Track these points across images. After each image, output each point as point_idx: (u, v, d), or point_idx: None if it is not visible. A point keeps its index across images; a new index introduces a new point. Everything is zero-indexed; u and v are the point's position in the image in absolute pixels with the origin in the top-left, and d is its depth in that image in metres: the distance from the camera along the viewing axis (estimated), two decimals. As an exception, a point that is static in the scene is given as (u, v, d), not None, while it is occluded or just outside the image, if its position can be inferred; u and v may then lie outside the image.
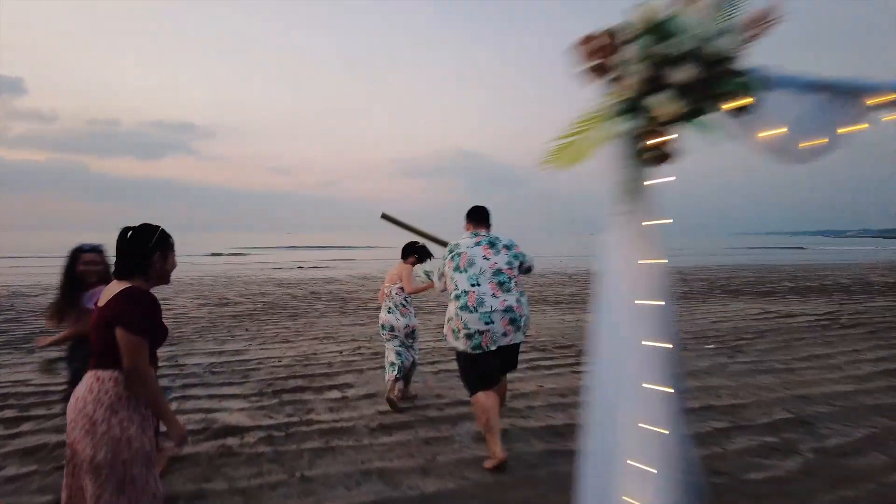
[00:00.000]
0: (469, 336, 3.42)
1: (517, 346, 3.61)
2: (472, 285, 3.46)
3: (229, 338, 8.04)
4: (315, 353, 6.98)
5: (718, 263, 31.04)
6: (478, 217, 3.74)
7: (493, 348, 3.45)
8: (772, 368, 6.18)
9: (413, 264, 4.95)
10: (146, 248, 2.09)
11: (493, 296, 3.43)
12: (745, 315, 10.38)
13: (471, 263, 3.51)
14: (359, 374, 5.93)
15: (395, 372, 4.66)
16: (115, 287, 2.07)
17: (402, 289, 4.83)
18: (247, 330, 8.71)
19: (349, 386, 5.45)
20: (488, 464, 3.49)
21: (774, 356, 6.80)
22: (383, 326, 4.85)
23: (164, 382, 5.08)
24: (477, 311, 3.40)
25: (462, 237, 3.71)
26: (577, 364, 6.39)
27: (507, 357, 3.60)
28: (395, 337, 4.79)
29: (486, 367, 3.50)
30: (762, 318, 10.04)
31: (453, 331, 3.51)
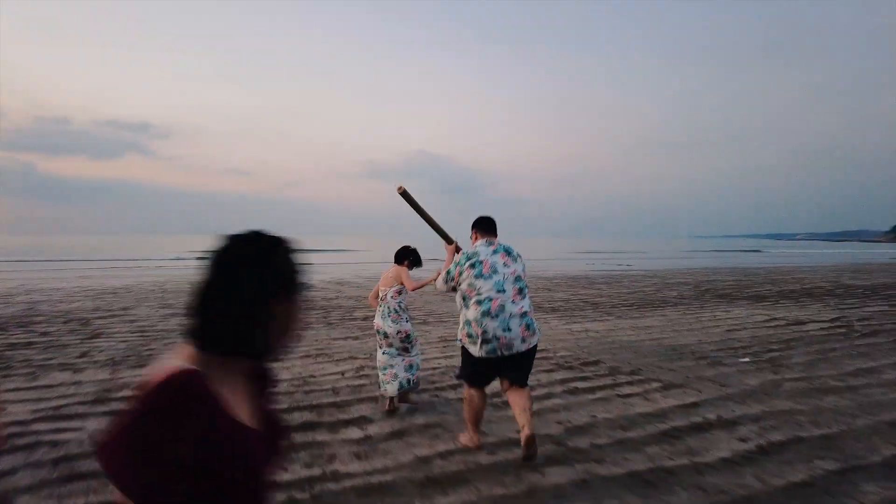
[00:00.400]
0: (486, 341, 3.47)
1: (534, 349, 3.64)
2: (498, 291, 3.51)
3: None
4: (313, 376, 6.02)
5: (692, 266, 31.16)
6: (486, 227, 3.82)
7: (508, 354, 3.49)
8: (829, 386, 5.60)
9: (409, 269, 4.91)
10: (258, 292, 1.01)
11: (513, 302, 3.51)
12: (754, 322, 9.91)
13: (494, 270, 3.57)
14: (373, 403, 5.03)
15: (397, 388, 4.61)
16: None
17: (398, 292, 4.75)
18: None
19: (368, 421, 4.56)
20: (464, 439, 3.90)
21: (821, 371, 6.25)
22: (378, 331, 4.78)
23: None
24: (498, 316, 3.45)
25: (476, 245, 3.76)
26: (618, 385, 5.66)
27: (522, 361, 3.60)
28: (391, 345, 4.72)
29: (493, 370, 3.63)
30: (774, 325, 9.58)
31: (470, 335, 3.55)
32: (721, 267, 30.06)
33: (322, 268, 29.26)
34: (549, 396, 5.24)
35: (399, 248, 4.99)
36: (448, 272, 3.74)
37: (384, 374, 4.71)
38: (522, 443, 3.48)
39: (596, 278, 21.04)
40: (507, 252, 3.70)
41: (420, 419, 4.60)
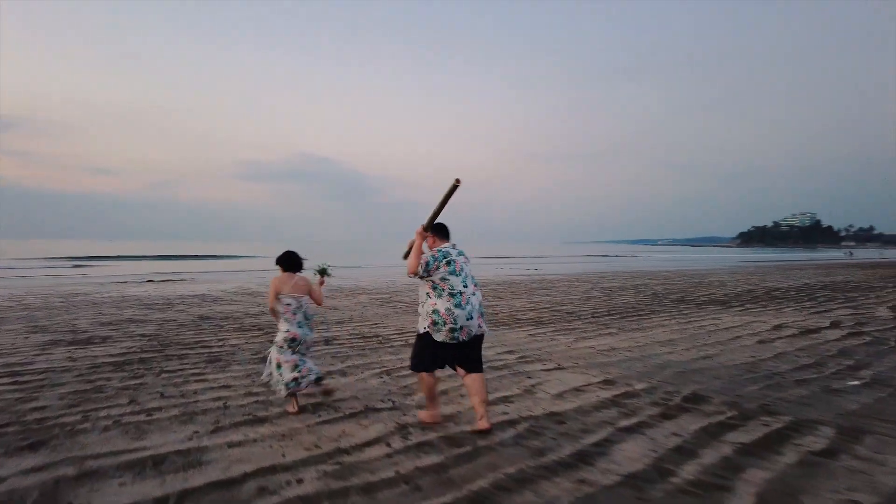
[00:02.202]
0: (453, 329, 3.98)
1: (483, 335, 4.19)
2: (465, 286, 4.06)
3: (145, 419, 4.49)
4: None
5: (599, 270, 31.45)
6: (445, 232, 4.28)
7: (466, 339, 4.05)
8: None
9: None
10: None
11: (474, 295, 4.11)
12: (765, 331, 8.99)
13: (461, 269, 4.12)
14: (444, 484, 3.04)
15: (296, 386, 4.54)
16: None
17: (309, 301, 4.75)
18: (161, 395, 5.15)
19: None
20: (424, 415, 4.32)
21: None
22: (292, 340, 4.62)
23: None
24: (465, 308, 4.01)
25: (444, 246, 4.20)
26: (790, 437, 4.10)
27: (475, 346, 4.15)
28: (297, 350, 4.64)
29: (450, 354, 4.10)
30: (791, 334, 8.71)
31: (437, 322, 4.00)
32: (625, 271, 30.59)
33: (213, 276, 25.73)
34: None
35: (288, 253, 4.83)
36: (429, 262, 4.06)
37: (298, 371, 4.56)
38: (476, 429, 4.07)
39: (526, 284, 19.92)
40: (464, 255, 4.26)
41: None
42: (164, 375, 5.85)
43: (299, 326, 4.61)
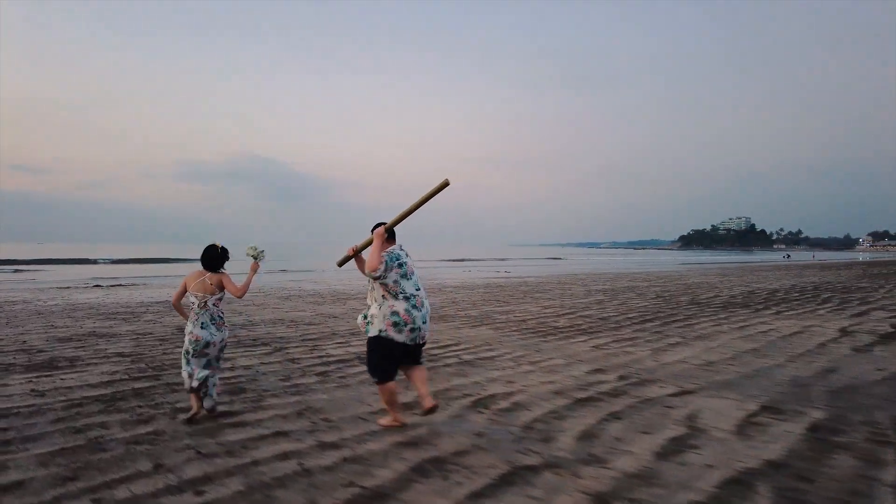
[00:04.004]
0: (412, 330, 3.90)
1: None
2: (417, 290, 4.00)
3: (198, 502, 2.92)
4: None
5: (572, 272, 30.81)
6: (392, 234, 4.09)
7: (421, 342, 3.99)
8: None
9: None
10: None
11: (425, 298, 4.08)
12: (847, 339, 8.12)
13: (412, 272, 4.05)
14: None
15: (194, 384, 4.14)
16: None
17: (219, 300, 4.38)
18: (198, 452, 3.54)
19: None
20: (386, 421, 4.10)
21: None
22: (196, 342, 4.22)
23: None
24: (421, 310, 3.95)
25: (393, 249, 4.03)
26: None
27: (421, 346, 4.08)
28: (207, 355, 4.26)
29: (406, 355, 3.97)
30: (875, 342, 7.85)
31: (396, 324, 3.87)
32: (597, 272, 30.08)
33: (165, 280, 23.36)
34: None
35: (209, 249, 4.39)
36: (386, 263, 3.90)
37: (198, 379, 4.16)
38: (423, 411, 4.02)
39: (514, 287, 18.78)
40: (409, 257, 4.14)
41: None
42: (180, 417, 4.23)
43: (202, 327, 4.26)
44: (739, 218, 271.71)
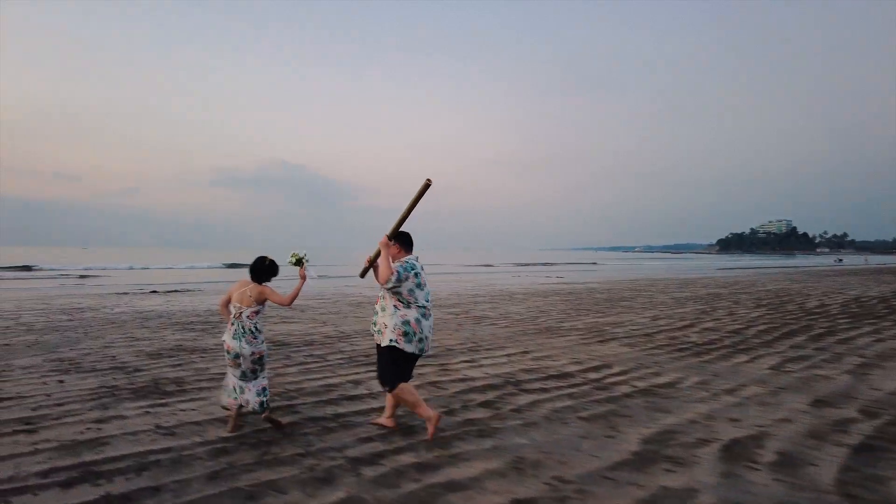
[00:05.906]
0: (421, 340, 3.92)
1: None
2: (427, 301, 4.00)
3: None
4: None
5: (621, 278, 29.36)
6: (410, 243, 4.14)
7: (426, 353, 4.03)
8: None
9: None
10: None
11: (431, 311, 4.06)
12: None
13: (426, 283, 4.03)
14: None
15: (234, 397, 4.10)
16: None
17: (255, 313, 4.22)
18: None
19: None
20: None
21: None
22: (228, 352, 4.17)
23: None
24: (428, 320, 3.98)
25: (409, 259, 4.04)
26: None
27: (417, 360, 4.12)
28: (239, 366, 4.11)
29: (414, 365, 4.05)
30: None
31: (407, 333, 3.87)
32: (657, 278, 28.55)
33: (219, 287, 22.78)
34: None
35: (256, 260, 4.32)
36: (399, 273, 3.86)
37: (235, 396, 4.12)
38: (435, 425, 3.90)
39: (590, 295, 17.57)
40: (423, 269, 4.11)
41: None
42: (367, 472, 3.25)
43: (233, 338, 4.15)
44: (780, 221, 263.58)
